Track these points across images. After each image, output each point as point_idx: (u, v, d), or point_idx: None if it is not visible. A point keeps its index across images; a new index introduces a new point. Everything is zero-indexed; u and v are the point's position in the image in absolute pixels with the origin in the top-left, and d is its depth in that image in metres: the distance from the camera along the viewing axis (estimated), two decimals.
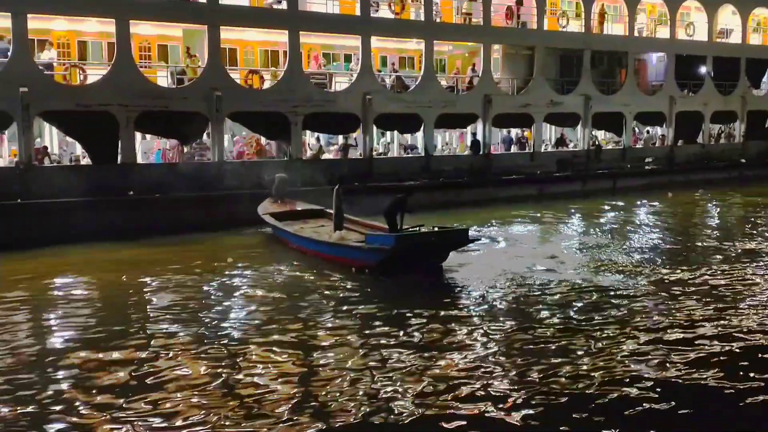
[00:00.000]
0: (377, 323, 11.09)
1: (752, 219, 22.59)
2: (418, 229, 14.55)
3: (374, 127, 24.47)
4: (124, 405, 7.94)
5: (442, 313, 11.58)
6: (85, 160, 20.65)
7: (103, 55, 22.03)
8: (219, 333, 10.63)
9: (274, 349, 9.88)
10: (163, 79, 22.05)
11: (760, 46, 36.96)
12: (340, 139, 25.90)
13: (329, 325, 11.07)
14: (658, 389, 8.37)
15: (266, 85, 23.16)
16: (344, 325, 11.03)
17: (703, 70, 34.16)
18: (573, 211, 23.78)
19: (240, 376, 8.88)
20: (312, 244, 15.82)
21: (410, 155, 26.39)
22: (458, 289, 13.42)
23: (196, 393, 8.29)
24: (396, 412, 7.79)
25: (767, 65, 36.79)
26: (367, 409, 7.84)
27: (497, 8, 27.77)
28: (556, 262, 15.37)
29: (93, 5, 19.96)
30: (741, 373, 8.92)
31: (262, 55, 25.12)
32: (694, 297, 12.53)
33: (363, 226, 16.55)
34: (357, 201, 18.94)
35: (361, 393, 8.29)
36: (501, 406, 7.95)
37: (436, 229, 14.58)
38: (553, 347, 9.88)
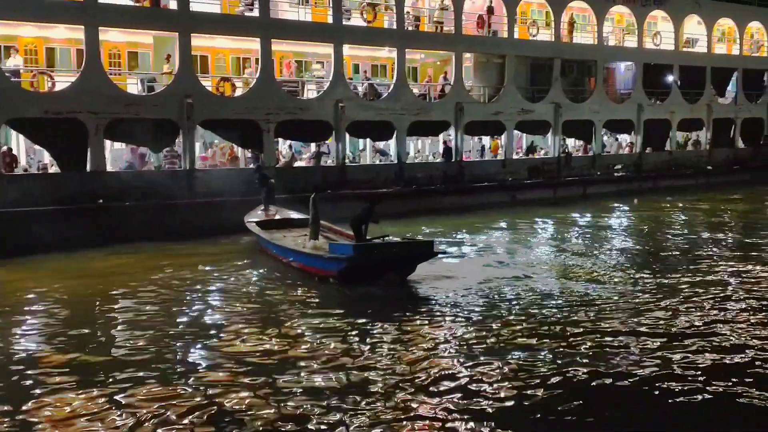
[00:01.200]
0: (331, 335, 10.80)
1: (718, 224, 22.99)
2: (382, 239, 14.35)
3: (347, 135, 24.46)
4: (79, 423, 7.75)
5: (399, 324, 11.28)
6: (54, 168, 20.33)
7: (72, 62, 21.73)
8: (172, 347, 10.35)
9: (222, 360, 9.71)
10: (133, 86, 21.82)
11: (725, 55, 37.74)
12: (313, 147, 25.83)
13: (277, 338, 10.68)
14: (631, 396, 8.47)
15: (238, 92, 23.03)
16: (294, 337, 10.76)
17: (670, 78, 34.76)
18: (544, 217, 23.98)
19: (190, 389, 8.71)
20: (284, 253, 15.71)
21: (383, 162, 26.42)
22: (422, 299, 13.09)
23: (148, 404, 8.16)
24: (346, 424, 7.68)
25: (731, 74, 37.54)
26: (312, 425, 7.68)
27: (469, 17, 28.00)
28: (527, 270, 15.29)
29: (62, 12, 19.71)
30: (707, 376, 9.04)
31: (233, 63, 24.99)
32: (662, 301, 12.65)
33: (342, 236, 16.33)
34: (326, 208, 18.87)
35: (293, 409, 8.09)
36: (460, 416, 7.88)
37: (399, 240, 14.45)
38: (521, 359, 9.70)
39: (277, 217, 19.16)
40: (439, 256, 14.94)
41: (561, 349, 10.06)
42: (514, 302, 12.71)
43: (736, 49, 37.94)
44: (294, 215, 19.14)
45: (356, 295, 13.24)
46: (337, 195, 21.10)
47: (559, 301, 12.75)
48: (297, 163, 24.37)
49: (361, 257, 13.55)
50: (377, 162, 26.59)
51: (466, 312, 12.06)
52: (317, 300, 13.14)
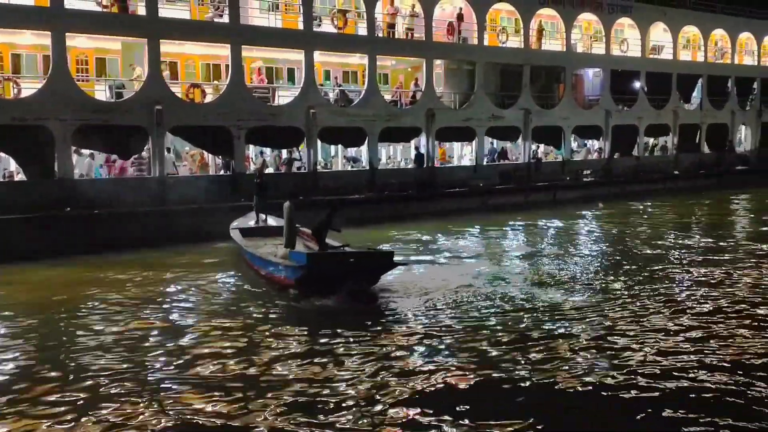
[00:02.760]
0: (283, 347, 10.63)
1: (684, 229, 23.37)
2: (342, 248, 14.08)
3: (318, 142, 24.44)
4: None
5: (357, 338, 10.99)
6: (20, 176, 20.00)
7: (38, 69, 21.44)
8: (130, 360, 10.16)
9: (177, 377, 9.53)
10: (101, 92, 21.57)
11: (690, 62, 38.42)
12: (284, 153, 25.78)
13: (231, 353, 10.47)
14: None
15: (208, 98, 22.90)
16: (247, 353, 10.48)
17: (637, 85, 35.31)
18: (514, 222, 24.12)
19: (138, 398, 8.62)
20: (254, 260, 15.50)
21: (355, 168, 26.43)
22: (383, 312, 12.69)
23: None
24: None
25: (697, 80, 38.23)
26: None
27: (439, 24, 28.17)
28: (495, 277, 15.10)
29: (28, 17, 19.46)
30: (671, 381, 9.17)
31: (203, 69, 24.85)
32: (630, 306, 12.79)
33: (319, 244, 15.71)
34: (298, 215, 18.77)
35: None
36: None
37: (355, 250, 14.09)
38: (491, 368, 9.62)
39: (272, 223, 18.53)
40: (406, 264, 14.67)
41: (526, 357, 10.07)
42: (483, 311, 12.52)
43: (701, 56, 38.67)
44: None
45: (314, 308, 12.74)
46: (308, 202, 21.06)
47: (526, 307, 12.75)
48: (267, 170, 24.22)
49: (315, 267, 13.06)
50: (349, 168, 26.60)
51: (428, 322, 11.84)
52: (274, 314, 12.77)
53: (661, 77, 35.77)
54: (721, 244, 19.70)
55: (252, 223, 18.80)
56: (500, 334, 11.20)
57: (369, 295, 13.37)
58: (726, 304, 12.86)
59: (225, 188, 21.83)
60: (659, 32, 36.89)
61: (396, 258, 13.92)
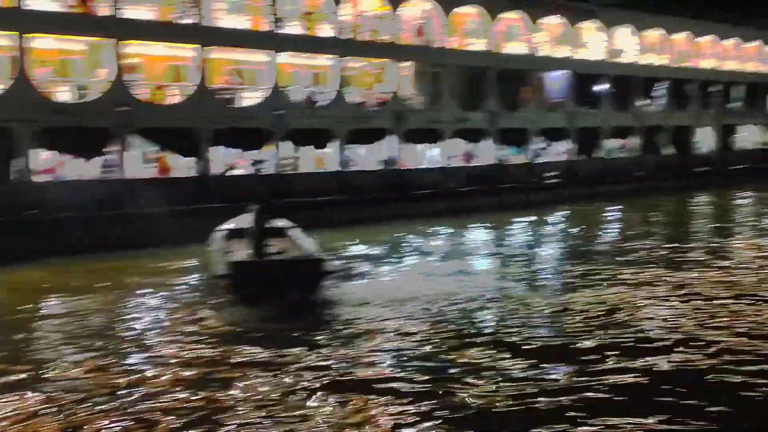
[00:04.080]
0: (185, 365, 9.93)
1: (647, 229, 23.80)
2: (275, 255, 13.57)
3: (286, 143, 24.45)
4: None
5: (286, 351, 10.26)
6: None
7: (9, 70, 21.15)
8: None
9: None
10: (66, 93, 21.36)
11: (652, 65, 39.06)
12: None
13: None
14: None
15: (175, 100, 22.79)
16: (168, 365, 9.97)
17: (601, 87, 35.84)
18: (478, 224, 24.25)
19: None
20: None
21: (324, 170, 26.31)
22: (318, 321, 12.05)
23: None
24: None
25: (661, 83, 38.90)
26: None
27: (406, 26, 28.35)
28: (456, 281, 14.78)
29: None
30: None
31: (170, 70, 24.69)
32: (596, 309, 12.57)
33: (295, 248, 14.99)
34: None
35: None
36: None
37: (281, 258, 13.60)
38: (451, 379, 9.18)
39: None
40: (339, 272, 14.05)
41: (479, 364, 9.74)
42: (440, 318, 11.99)
43: (665, 59, 39.38)
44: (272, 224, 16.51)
45: (241, 320, 11.98)
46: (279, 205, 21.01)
47: (488, 313, 12.52)
48: (235, 172, 24.11)
49: (238, 273, 12.65)
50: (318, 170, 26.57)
51: (368, 331, 11.30)
52: (208, 322, 12.10)
53: (625, 79, 36.36)
54: (680, 245, 19.94)
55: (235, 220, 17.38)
56: (460, 340, 10.75)
57: (307, 305, 12.72)
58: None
59: (195, 191, 21.65)
60: (622, 35, 37.50)
61: (329, 265, 13.36)
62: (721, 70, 42.88)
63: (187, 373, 9.51)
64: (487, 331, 11.38)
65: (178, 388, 8.94)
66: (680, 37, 40.51)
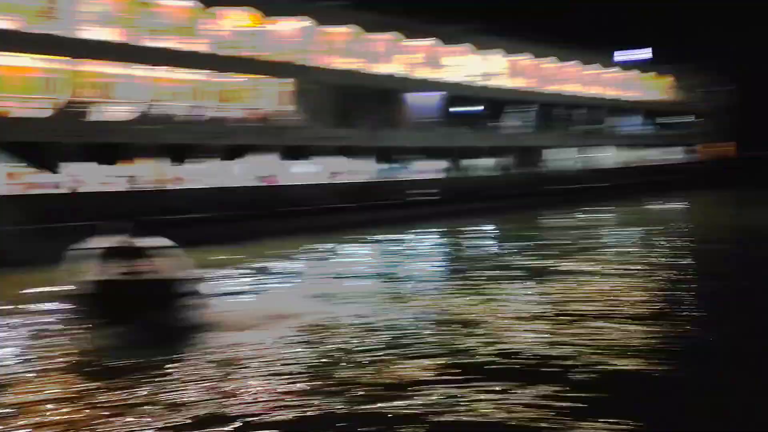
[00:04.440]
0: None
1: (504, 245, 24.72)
2: (136, 273, 12.61)
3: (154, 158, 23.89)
4: None
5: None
6: None
7: None
8: None
9: None
10: None
11: (520, 89, 40.95)
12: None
13: None
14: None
15: (36, 114, 21.80)
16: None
17: (473, 108, 37.29)
18: (350, 241, 24.17)
19: None
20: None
21: (198, 188, 25.67)
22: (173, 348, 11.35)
23: None
24: None
25: (530, 105, 40.97)
26: None
27: (285, 44, 28.49)
28: (323, 298, 14.44)
29: None
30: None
31: (31, 82, 23.51)
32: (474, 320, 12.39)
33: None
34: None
35: None
36: None
37: (125, 278, 12.57)
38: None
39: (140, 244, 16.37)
40: (198, 292, 13.16)
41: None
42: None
43: (533, 83, 41.49)
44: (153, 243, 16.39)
45: (97, 343, 11.46)
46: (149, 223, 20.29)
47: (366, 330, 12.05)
48: (110, 189, 22.96)
49: (82, 294, 12.06)
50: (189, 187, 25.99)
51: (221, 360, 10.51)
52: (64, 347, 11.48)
53: (496, 102, 38.04)
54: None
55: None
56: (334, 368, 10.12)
57: (167, 328, 12.03)
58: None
59: (58, 208, 20.67)
60: (496, 59, 39.22)
61: (189, 285, 12.77)
62: (584, 94, 45.61)
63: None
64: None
65: None
66: (547, 62, 42.81)
